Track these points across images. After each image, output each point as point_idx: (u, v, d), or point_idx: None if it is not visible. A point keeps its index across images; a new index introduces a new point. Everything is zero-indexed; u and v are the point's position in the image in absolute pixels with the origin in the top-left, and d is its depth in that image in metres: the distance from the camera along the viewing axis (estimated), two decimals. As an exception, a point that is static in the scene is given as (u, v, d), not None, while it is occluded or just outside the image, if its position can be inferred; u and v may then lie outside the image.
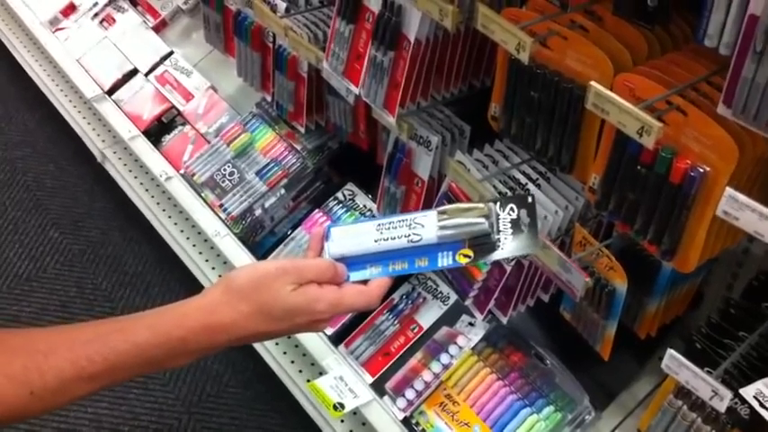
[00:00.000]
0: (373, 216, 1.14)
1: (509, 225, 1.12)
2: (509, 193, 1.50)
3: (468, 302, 1.72)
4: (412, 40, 1.52)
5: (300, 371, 1.95)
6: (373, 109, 1.68)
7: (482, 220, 1.11)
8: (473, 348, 1.77)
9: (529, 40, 1.21)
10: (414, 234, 1.11)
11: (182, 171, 2.29)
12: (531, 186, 1.50)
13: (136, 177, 2.47)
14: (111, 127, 2.48)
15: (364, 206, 2.06)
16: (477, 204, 1.14)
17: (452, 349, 1.78)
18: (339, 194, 2.11)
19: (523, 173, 1.54)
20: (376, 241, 1.12)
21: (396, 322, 1.89)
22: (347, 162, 2.16)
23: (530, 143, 1.42)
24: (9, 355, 0.95)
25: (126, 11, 2.66)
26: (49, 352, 0.96)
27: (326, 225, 1.18)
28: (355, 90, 1.68)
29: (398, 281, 1.97)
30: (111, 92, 2.54)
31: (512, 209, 1.13)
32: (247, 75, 2.18)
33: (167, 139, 2.40)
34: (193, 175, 2.27)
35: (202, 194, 2.23)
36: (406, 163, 1.76)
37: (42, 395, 0.94)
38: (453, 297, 1.85)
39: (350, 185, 2.12)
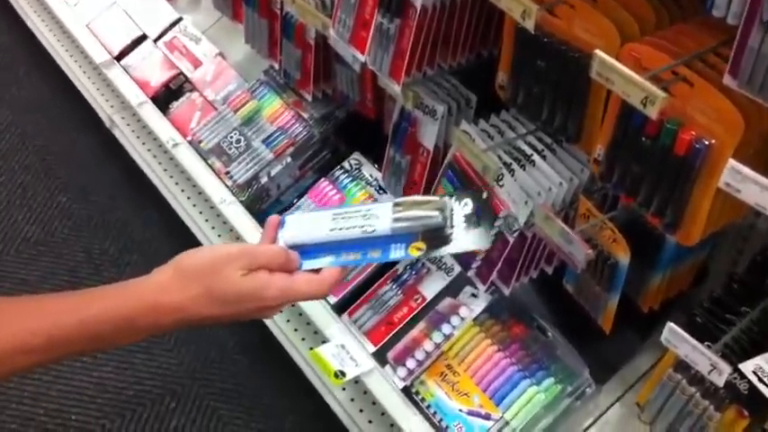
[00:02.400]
0: (334, 208, 1.13)
1: (463, 219, 1.12)
2: (513, 165, 1.49)
3: (470, 274, 1.72)
4: (418, 8, 1.50)
5: (303, 339, 1.96)
6: (379, 77, 1.67)
7: (436, 213, 1.11)
8: (475, 319, 1.77)
9: (534, 8, 1.20)
10: (368, 225, 1.11)
11: (189, 138, 2.29)
12: (536, 157, 1.49)
13: (144, 144, 2.47)
14: (119, 93, 2.47)
15: (370, 176, 2.05)
16: (433, 198, 1.14)
17: (454, 320, 1.78)
18: (345, 164, 2.11)
19: (529, 144, 1.53)
20: (330, 230, 1.11)
21: (399, 292, 1.89)
22: (354, 131, 2.15)
23: (536, 113, 1.41)
24: None
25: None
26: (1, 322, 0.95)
27: (283, 214, 1.17)
28: (361, 58, 1.67)
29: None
30: (119, 57, 2.53)
31: (466, 203, 1.13)
32: (255, 42, 2.17)
33: (175, 105, 2.40)
34: (200, 142, 2.26)
35: (209, 161, 2.23)
36: (412, 132, 1.75)
37: None
38: (457, 268, 1.85)
39: (356, 155, 2.11)
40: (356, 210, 1.13)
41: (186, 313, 1.02)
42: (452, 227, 1.11)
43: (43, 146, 2.77)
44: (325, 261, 1.10)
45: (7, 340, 0.94)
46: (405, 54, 1.56)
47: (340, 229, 1.12)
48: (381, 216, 1.12)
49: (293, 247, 1.11)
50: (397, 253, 1.11)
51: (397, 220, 1.11)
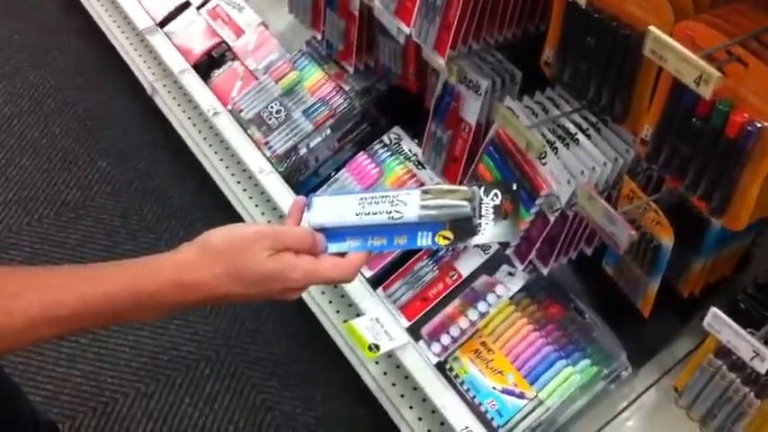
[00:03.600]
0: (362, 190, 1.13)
1: (491, 211, 1.10)
2: (556, 143, 1.47)
3: (508, 252, 1.71)
4: (467, -20, 1.49)
5: (338, 311, 1.96)
6: (423, 50, 1.66)
7: (465, 203, 1.10)
8: (511, 298, 1.76)
9: (587, -17, 1.18)
10: (395, 211, 1.10)
11: (229, 107, 2.29)
12: (580, 136, 1.47)
13: (184, 111, 2.48)
14: (161, 60, 2.48)
15: (410, 150, 2.04)
16: (461, 187, 1.12)
17: (490, 298, 1.77)
18: (385, 138, 2.09)
19: (573, 122, 1.51)
20: (357, 215, 1.11)
21: (435, 269, 1.88)
22: (395, 105, 2.13)
23: (582, 91, 1.38)
24: None
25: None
26: (19, 293, 0.95)
27: (309, 195, 1.16)
28: (406, 30, 1.65)
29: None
30: (162, 24, 2.53)
31: (495, 195, 1.11)
32: (298, 12, 2.16)
33: (216, 74, 2.40)
34: (240, 111, 2.26)
35: (248, 131, 2.22)
36: (455, 107, 1.74)
37: (7, 335, 0.94)
38: (495, 246, 1.84)
39: (396, 129, 2.10)
40: (383, 195, 1.12)
41: (210, 292, 1.02)
42: (481, 217, 1.10)
43: (84, 111, 2.79)
44: (351, 245, 1.10)
45: (34, 310, 0.94)
46: (451, 27, 1.54)
47: (367, 213, 1.11)
48: (409, 203, 1.11)
49: (319, 229, 1.10)
50: (423, 241, 1.10)
51: (424, 207, 1.10)
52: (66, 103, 2.81)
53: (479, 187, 1.12)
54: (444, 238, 1.09)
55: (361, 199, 1.12)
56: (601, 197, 1.36)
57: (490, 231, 1.09)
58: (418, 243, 1.10)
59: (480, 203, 1.11)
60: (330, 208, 1.13)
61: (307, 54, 2.25)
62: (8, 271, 0.98)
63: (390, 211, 1.10)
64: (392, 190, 1.14)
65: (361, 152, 2.11)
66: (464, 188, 1.12)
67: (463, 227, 1.09)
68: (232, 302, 1.05)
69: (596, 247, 1.64)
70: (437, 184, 1.17)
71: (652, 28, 1.10)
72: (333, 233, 1.10)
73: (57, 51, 3.00)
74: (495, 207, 1.10)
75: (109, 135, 2.71)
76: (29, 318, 0.94)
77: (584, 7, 1.21)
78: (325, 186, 2.11)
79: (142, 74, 2.61)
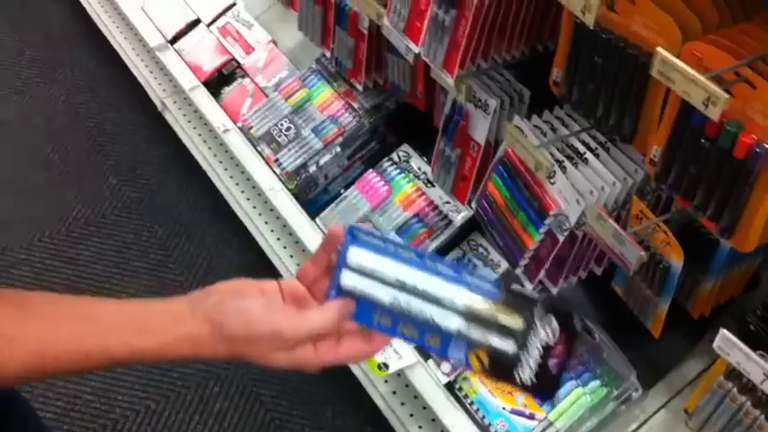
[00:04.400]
0: (399, 245, 0.94)
1: (538, 350, 0.95)
2: (565, 162, 1.47)
3: (518, 271, 1.70)
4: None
5: (347, 329, 1.96)
6: (432, 69, 1.66)
7: (511, 342, 0.95)
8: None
9: (595, 2, 1.17)
10: (439, 317, 0.96)
11: (239, 124, 2.30)
12: (589, 155, 1.46)
13: (194, 128, 2.49)
14: (172, 76, 2.49)
15: (419, 168, 2.04)
16: (516, 320, 0.95)
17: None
18: (394, 155, 2.10)
19: (582, 141, 1.50)
20: (394, 298, 0.97)
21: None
22: (404, 122, 2.13)
23: (591, 110, 1.38)
24: None
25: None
26: (16, 340, 0.91)
27: (348, 226, 1.00)
28: (415, 49, 1.66)
29: (449, 246, 1.95)
30: (173, 41, 2.54)
31: (552, 330, 0.94)
32: (308, 29, 2.16)
33: (226, 91, 2.40)
34: (250, 128, 2.27)
35: (258, 148, 2.23)
36: (463, 126, 1.73)
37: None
38: (504, 264, 1.83)
39: (405, 147, 2.10)
40: (424, 289, 0.97)
41: (213, 359, 0.99)
42: (526, 352, 0.95)
43: (95, 126, 2.80)
44: (379, 323, 0.98)
45: (31, 362, 0.91)
46: (459, 46, 1.54)
47: (404, 303, 0.97)
48: (451, 315, 0.96)
49: (353, 294, 0.98)
50: (455, 352, 0.97)
51: (469, 327, 0.96)
52: (77, 119, 2.83)
53: (537, 318, 0.95)
54: (478, 359, 0.96)
55: (402, 284, 0.97)
56: (610, 217, 1.35)
57: (527, 373, 0.95)
58: (449, 354, 0.97)
59: (530, 333, 0.95)
60: (368, 271, 0.98)
61: (316, 71, 2.26)
62: (6, 310, 0.94)
63: (432, 316, 0.96)
64: (445, 278, 0.97)
65: (371, 169, 2.11)
66: (518, 323, 0.95)
67: (502, 360, 0.95)
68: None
69: (606, 267, 1.63)
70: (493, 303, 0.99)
71: (659, 49, 1.09)
72: (363, 302, 0.98)
73: (68, 67, 3.01)
74: (544, 348, 0.95)
75: (119, 151, 2.72)
76: (25, 367, 0.92)
77: (591, 28, 1.21)
78: (333, 204, 2.11)
79: (152, 90, 2.62)
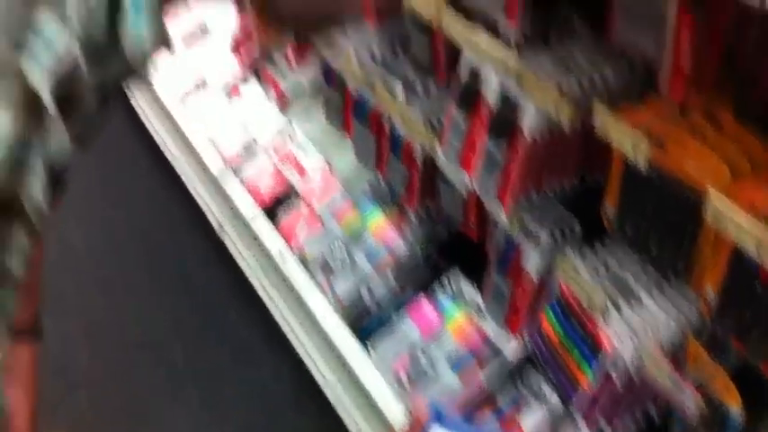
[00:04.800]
0: None
1: None
2: (619, 300, 1.43)
3: (572, 409, 1.65)
4: (527, 134, 1.49)
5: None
6: (485, 201, 1.66)
7: None
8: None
9: (646, 146, 1.17)
10: None
11: (294, 248, 2.32)
12: (643, 294, 1.43)
13: (249, 250, 2.51)
14: (232, 203, 2.54)
15: (471, 297, 2.01)
16: None
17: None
18: (445, 283, 2.08)
19: (636, 279, 1.47)
20: None
21: (498, 423, 1.82)
22: (456, 250, 2.12)
23: (644, 248, 1.36)
24: None
25: (251, 85, 2.74)
26: None
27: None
28: (468, 182, 1.67)
29: (501, 376, 1.91)
30: (232, 166, 2.60)
31: None
32: (362, 155, 2.20)
33: (282, 215, 2.44)
34: (305, 253, 2.28)
35: (312, 273, 2.24)
36: (516, 257, 1.72)
37: None
38: (555, 400, 1.78)
39: (457, 274, 2.08)
40: None
41: None
42: None
43: (155, 245, 2.85)
44: None
45: None
46: (512, 180, 1.55)
47: None
48: None
49: None
50: None
51: None
52: (134, 237, 2.89)
53: None
54: None
55: None
56: (666, 359, 1.31)
57: None
58: None
59: None
60: None
61: (369, 196, 2.28)
62: None
63: None
64: None
65: (422, 296, 2.09)
66: None
67: None
68: None
69: (663, 408, 1.57)
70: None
71: (712, 195, 1.08)
72: None
73: (129, 190, 3.10)
74: None
75: (176, 270, 2.75)
76: None
77: (643, 168, 1.20)
78: (385, 331, 2.08)
79: (212, 213, 2.67)
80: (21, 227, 0.83)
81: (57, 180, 0.87)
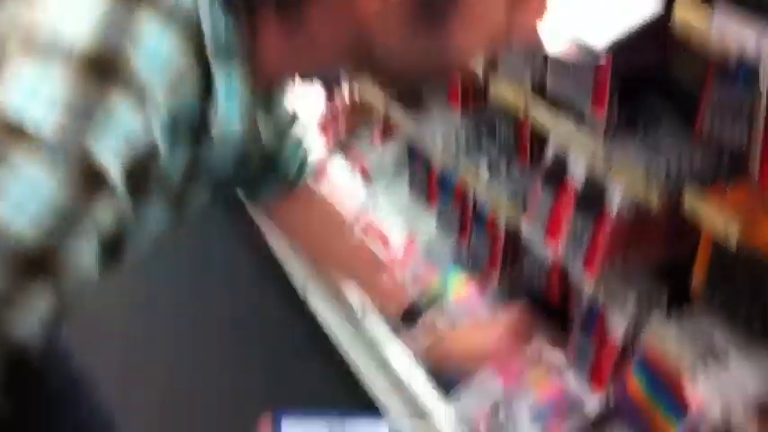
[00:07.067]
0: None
1: None
2: (708, 361, 1.53)
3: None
4: (614, 212, 1.63)
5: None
6: (571, 273, 1.78)
7: None
8: None
9: (737, 227, 1.29)
10: None
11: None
12: (730, 355, 1.53)
13: (333, 315, 2.66)
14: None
15: (552, 360, 2.12)
16: None
17: None
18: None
19: (722, 339, 1.55)
20: None
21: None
22: (536, 313, 2.23)
23: (732, 314, 1.46)
24: None
25: (336, 163, 2.91)
26: None
27: (277, 413, 1.14)
28: (553, 252, 1.79)
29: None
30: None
31: None
32: (446, 226, 2.34)
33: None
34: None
35: (396, 335, 2.36)
36: (600, 321, 1.83)
37: None
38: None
39: (538, 338, 2.17)
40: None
41: None
42: None
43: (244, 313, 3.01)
44: None
45: None
46: (598, 253, 1.67)
47: None
48: None
49: None
50: None
51: None
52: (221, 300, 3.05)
53: None
54: None
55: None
56: (754, 418, 1.41)
57: None
58: None
59: None
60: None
61: (451, 265, 2.41)
62: None
63: None
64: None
65: (505, 357, 2.20)
66: None
67: None
68: None
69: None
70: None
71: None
72: None
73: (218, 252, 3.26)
74: None
75: (264, 340, 2.87)
76: None
77: (733, 249, 1.32)
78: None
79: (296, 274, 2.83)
80: (45, 290, 0.80)
81: (114, 250, 0.86)
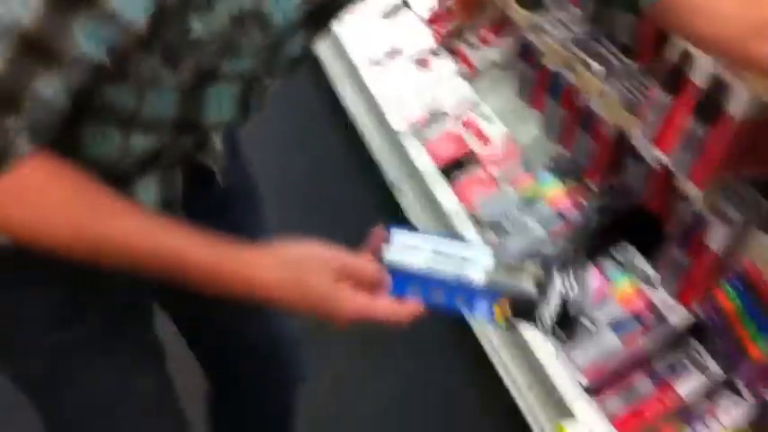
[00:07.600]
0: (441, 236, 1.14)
1: (558, 300, 1.09)
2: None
3: (737, 380, 1.73)
4: (734, 118, 1.58)
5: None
6: (678, 179, 1.75)
7: (532, 288, 1.08)
8: (736, 429, 1.75)
9: None
10: (463, 275, 1.10)
11: (469, 210, 2.45)
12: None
13: (423, 211, 2.67)
14: (411, 161, 2.70)
15: (642, 269, 2.10)
16: (533, 269, 1.10)
17: (712, 424, 1.77)
18: (617, 254, 2.17)
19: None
20: (428, 267, 1.11)
21: (654, 387, 1.91)
22: (631, 223, 2.21)
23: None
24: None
25: (443, 57, 2.90)
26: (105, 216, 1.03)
27: (389, 227, 1.16)
28: (664, 159, 1.76)
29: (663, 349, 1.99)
30: (414, 128, 2.77)
31: (570, 285, 1.12)
32: (549, 129, 2.32)
33: (459, 177, 2.58)
34: (479, 215, 2.42)
35: (485, 235, 2.37)
36: (700, 235, 1.80)
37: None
38: (714, 368, 1.84)
39: (628, 247, 2.16)
40: (455, 252, 1.12)
41: (265, 291, 1.07)
42: (545, 297, 1.08)
43: (328, 196, 3.06)
44: (411, 295, 1.11)
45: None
46: (712, 161, 1.64)
47: (437, 268, 1.11)
48: (477, 269, 1.10)
49: (390, 267, 1.12)
50: (480, 308, 1.09)
51: (490, 280, 1.10)
52: (312, 185, 3.10)
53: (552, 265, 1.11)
54: (501, 311, 1.08)
55: (435, 252, 1.13)
56: None
57: (547, 321, 1.08)
58: (475, 310, 1.10)
59: (550, 289, 1.09)
60: (407, 249, 1.13)
61: (550, 168, 2.39)
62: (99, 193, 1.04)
63: (458, 275, 1.10)
64: (463, 247, 1.14)
65: (592, 266, 2.19)
66: (534, 270, 1.10)
67: (523, 305, 1.08)
68: (279, 307, 1.12)
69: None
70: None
71: None
72: (399, 277, 1.12)
73: (312, 139, 3.31)
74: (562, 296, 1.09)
75: (352, 223, 2.90)
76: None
77: None
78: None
79: (389, 170, 2.85)
80: None
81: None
